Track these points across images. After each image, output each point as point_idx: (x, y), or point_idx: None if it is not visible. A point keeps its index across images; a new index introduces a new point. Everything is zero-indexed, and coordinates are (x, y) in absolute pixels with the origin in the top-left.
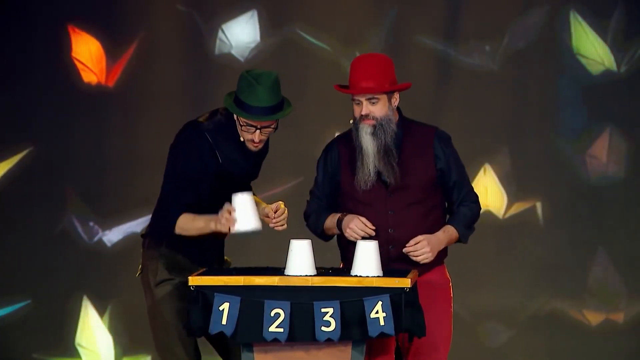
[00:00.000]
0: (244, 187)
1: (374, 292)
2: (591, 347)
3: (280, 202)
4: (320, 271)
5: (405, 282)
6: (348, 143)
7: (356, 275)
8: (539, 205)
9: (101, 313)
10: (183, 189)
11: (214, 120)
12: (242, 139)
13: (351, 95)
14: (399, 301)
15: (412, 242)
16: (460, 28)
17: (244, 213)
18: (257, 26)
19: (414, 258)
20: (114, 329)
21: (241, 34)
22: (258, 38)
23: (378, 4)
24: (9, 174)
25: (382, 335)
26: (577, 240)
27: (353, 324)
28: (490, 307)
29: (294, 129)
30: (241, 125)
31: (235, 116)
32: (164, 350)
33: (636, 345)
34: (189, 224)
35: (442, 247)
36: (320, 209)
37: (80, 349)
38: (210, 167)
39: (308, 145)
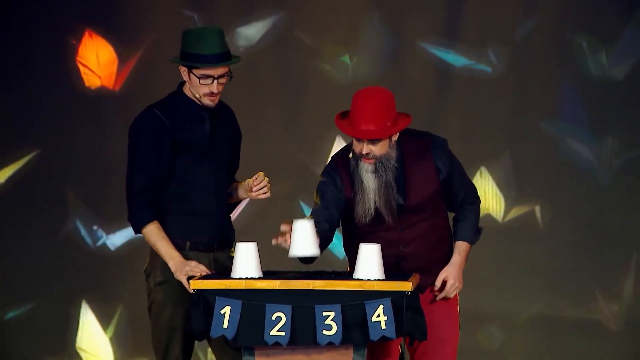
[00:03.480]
0: (220, 169)
1: (375, 295)
2: (593, 349)
3: (260, 172)
4: (322, 275)
5: (406, 286)
6: (347, 169)
7: (358, 279)
8: (538, 208)
9: (104, 317)
10: (133, 176)
11: (162, 99)
12: (197, 95)
13: None
14: (400, 305)
15: (438, 283)
16: (460, 32)
17: (300, 238)
18: (258, 30)
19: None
20: (116, 333)
21: (243, 37)
22: (259, 42)
23: (378, 7)
24: (14, 177)
25: (384, 339)
26: (578, 244)
27: (354, 327)
28: (489, 310)
29: (294, 133)
30: (198, 79)
31: (187, 75)
32: (159, 350)
33: (634, 349)
34: (152, 239)
35: (462, 268)
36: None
37: (81, 353)
38: (165, 141)
39: (308, 149)
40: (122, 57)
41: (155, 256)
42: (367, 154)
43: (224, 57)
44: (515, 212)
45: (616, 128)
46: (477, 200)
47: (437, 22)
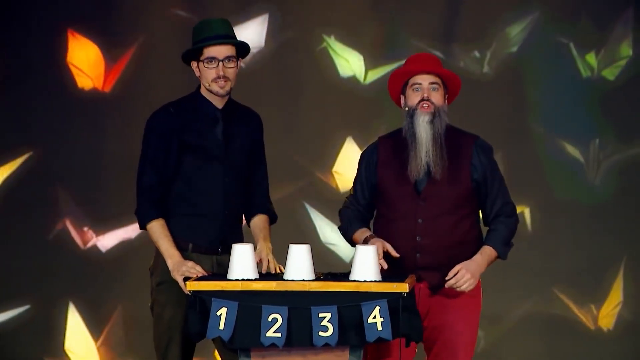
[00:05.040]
0: (231, 173)
1: (372, 297)
2: (584, 351)
3: (263, 252)
4: (318, 276)
5: (402, 287)
6: (391, 144)
7: (354, 280)
8: (528, 210)
9: (94, 319)
10: (143, 171)
11: (180, 98)
12: (207, 85)
13: (407, 85)
14: (396, 306)
15: (451, 273)
16: (454, 33)
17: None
18: (256, 31)
19: (458, 288)
20: (106, 335)
21: (240, 39)
22: (261, 43)
23: (375, 9)
24: (6, 179)
25: (380, 340)
26: (569, 245)
27: (350, 329)
28: (482, 311)
29: (293, 134)
30: (204, 62)
31: (197, 68)
32: (160, 350)
33: (628, 350)
34: (154, 236)
35: (482, 270)
36: (354, 217)
37: (70, 355)
38: (172, 141)
39: (307, 150)
40: (112, 57)
41: (159, 255)
42: (428, 99)
43: (227, 37)
44: None
45: (605, 129)
46: (514, 215)
47: (432, 23)
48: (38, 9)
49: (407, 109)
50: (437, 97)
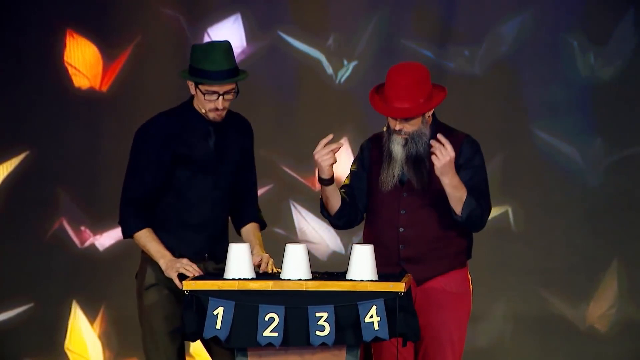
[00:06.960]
0: (221, 186)
1: (368, 296)
2: (578, 351)
3: (259, 257)
4: (315, 275)
5: (399, 287)
6: (379, 144)
7: (351, 280)
8: (527, 210)
9: (92, 318)
10: (130, 183)
11: (173, 108)
12: (203, 110)
13: None
14: (393, 305)
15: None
16: (448, 33)
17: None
18: (243, 30)
19: (433, 151)
20: (104, 334)
21: (229, 38)
22: (244, 42)
23: (367, 8)
24: (3, 178)
25: (377, 340)
26: (568, 245)
27: (347, 328)
28: (479, 311)
29: (282, 134)
30: (203, 94)
31: (194, 89)
32: (149, 354)
33: (622, 350)
34: (142, 240)
35: (452, 173)
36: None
37: (70, 354)
38: (165, 153)
39: (300, 150)
40: (110, 57)
41: (144, 261)
42: (400, 130)
43: (229, 74)
44: (504, 214)
45: (604, 129)
46: (485, 204)
47: (428, 23)
48: (35, 9)
49: (384, 128)
50: (411, 125)
